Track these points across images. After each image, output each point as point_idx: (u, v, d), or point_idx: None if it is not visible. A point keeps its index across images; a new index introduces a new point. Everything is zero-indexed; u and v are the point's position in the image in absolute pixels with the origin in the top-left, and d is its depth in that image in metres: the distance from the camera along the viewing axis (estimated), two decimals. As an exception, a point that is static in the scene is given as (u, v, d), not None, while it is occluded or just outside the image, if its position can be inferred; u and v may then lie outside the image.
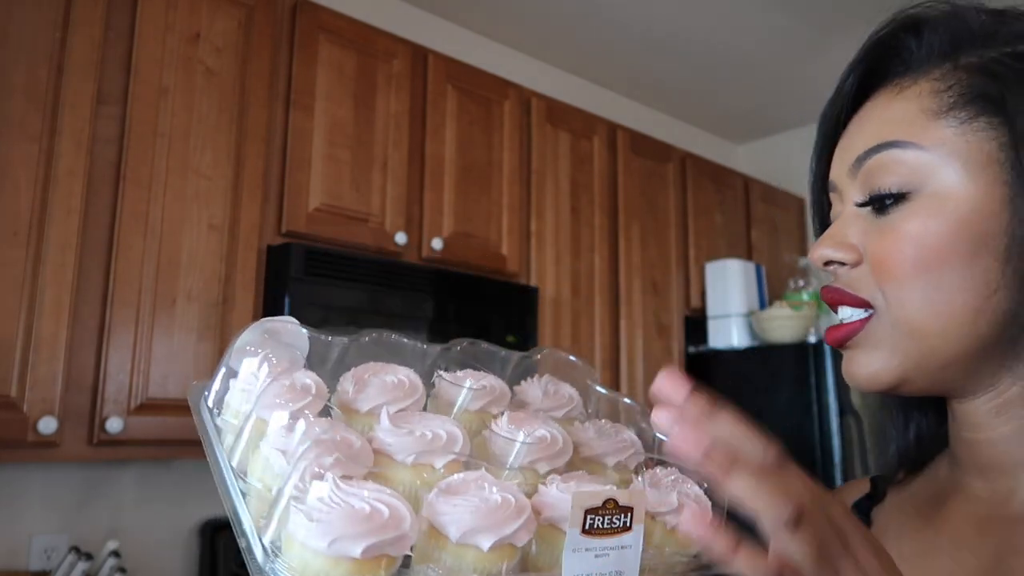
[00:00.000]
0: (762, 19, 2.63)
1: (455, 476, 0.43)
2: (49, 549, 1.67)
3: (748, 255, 3.04)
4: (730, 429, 0.37)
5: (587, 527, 0.39)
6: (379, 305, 1.83)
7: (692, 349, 2.77)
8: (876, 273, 0.48)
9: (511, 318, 2.11)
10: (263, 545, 0.40)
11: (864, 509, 0.59)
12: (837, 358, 2.46)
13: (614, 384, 2.48)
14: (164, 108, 1.63)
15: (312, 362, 0.55)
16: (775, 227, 3.25)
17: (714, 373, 2.72)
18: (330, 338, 0.57)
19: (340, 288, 1.76)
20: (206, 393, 0.55)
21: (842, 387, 2.44)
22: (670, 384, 0.37)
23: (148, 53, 1.62)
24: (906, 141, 0.48)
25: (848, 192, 0.51)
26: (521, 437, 0.49)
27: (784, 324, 2.57)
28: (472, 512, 0.41)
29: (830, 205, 0.55)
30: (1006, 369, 0.48)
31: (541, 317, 2.26)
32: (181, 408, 1.58)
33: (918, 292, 0.47)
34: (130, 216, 1.56)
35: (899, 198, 0.48)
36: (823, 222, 0.57)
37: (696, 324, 2.79)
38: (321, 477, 0.40)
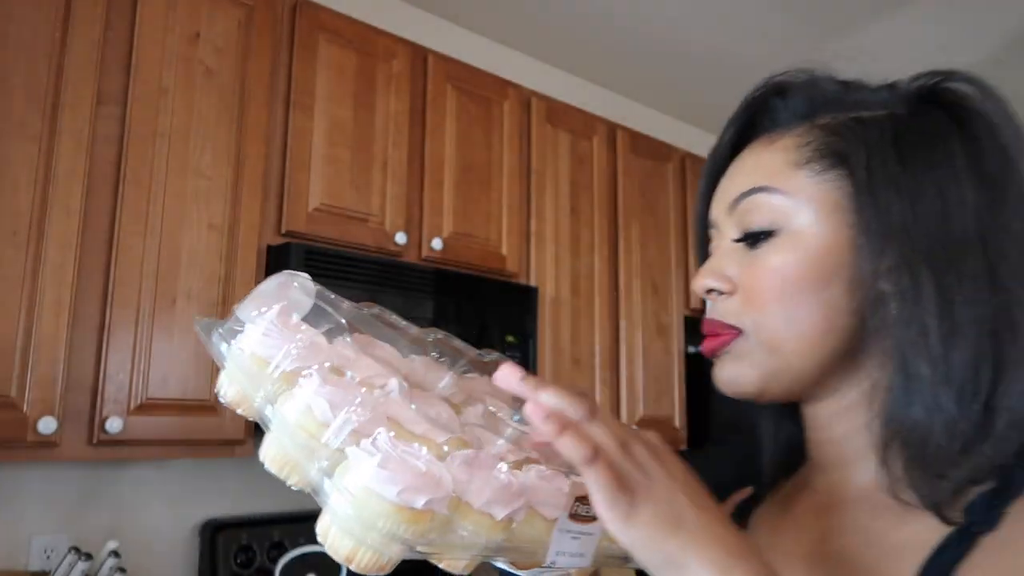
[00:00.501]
0: (762, 20, 2.63)
1: (469, 451, 0.49)
2: (49, 549, 1.67)
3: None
4: (556, 395, 0.45)
5: (572, 513, 0.47)
6: (379, 304, 1.83)
7: (692, 349, 2.77)
8: (744, 301, 0.56)
9: (511, 318, 2.11)
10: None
11: (746, 510, 0.67)
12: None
13: (614, 384, 2.48)
14: (164, 108, 1.63)
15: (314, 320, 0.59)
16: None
17: (714, 373, 2.71)
18: (330, 307, 0.61)
19: (340, 288, 1.74)
20: (219, 329, 0.60)
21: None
22: (508, 371, 0.46)
23: (148, 53, 1.62)
24: (773, 187, 0.56)
25: (725, 229, 0.59)
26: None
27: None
28: (490, 486, 0.47)
29: (709, 240, 0.63)
30: (847, 378, 0.57)
31: (541, 317, 2.26)
32: (181, 408, 1.58)
33: (779, 316, 0.55)
34: (130, 216, 1.56)
35: (767, 235, 0.56)
36: (704, 255, 0.64)
37: (696, 324, 2.79)
38: (377, 432, 0.45)
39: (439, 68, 2.16)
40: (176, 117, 1.64)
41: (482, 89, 2.25)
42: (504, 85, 2.32)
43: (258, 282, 1.87)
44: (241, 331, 0.57)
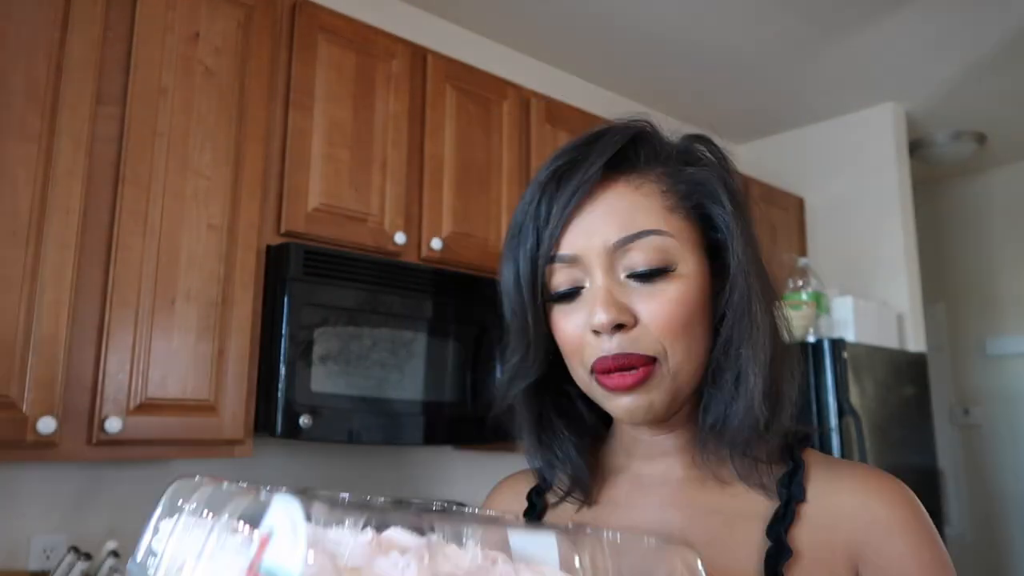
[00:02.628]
0: (762, 19, 2.63)
1: None
2: (48, 549, 1.67)
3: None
4: None
5: None
6: (378, 305, 1.83)
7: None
8: (658, 330, 0.62)
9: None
10: None
11: (540, 494, 0.74)
12: (837, 358, 2.46)
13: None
14: (163, 108, 1.63)
15: None
16: (774, 227, 3.25)
17: (713, 373, 2.71)
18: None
19: (339, 288, 1.76)
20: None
21: (841, 387, 2.44)
22: None
23: (147, 53, 1.62)
24: (662, 230, 0.63)
25: (600, 266, 0.63)
26: None
27: (783, 324, 2.56)
28: None
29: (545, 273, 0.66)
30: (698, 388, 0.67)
31: (540, 317, 2.26)
32: (180, 408, 1.58)
33: (682, 344, 0.63)
34: (129, 216, 1.56)
35: (664, 272, 0.63)
36: (536, 286, 0.66)
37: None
38: None
39: (438, 68, 2.16)
40: (175, 117, 1.64)
41: (481, 89, 2.25)
42: (503, 85, 2.31)
43: (257, 282, 1.85)
44: None
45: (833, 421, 2.42)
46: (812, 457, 0.67)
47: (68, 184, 1.48)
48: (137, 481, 1.82)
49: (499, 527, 0.46)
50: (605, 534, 0.45)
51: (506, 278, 0.68)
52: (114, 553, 1.60)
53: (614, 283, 0.63)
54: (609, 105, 3.01)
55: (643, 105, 3.28)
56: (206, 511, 0.45)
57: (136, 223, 1.56)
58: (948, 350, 4.09)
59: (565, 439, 0.71)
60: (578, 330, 0.64)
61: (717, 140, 0.71)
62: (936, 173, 4.03)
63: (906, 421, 2.73)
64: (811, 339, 2.55)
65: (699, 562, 0.47)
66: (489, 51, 2.71)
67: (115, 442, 1.50)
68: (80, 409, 1.47)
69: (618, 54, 2.88)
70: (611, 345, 0.62)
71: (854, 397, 2.46)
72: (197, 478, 0.48)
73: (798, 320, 2.58)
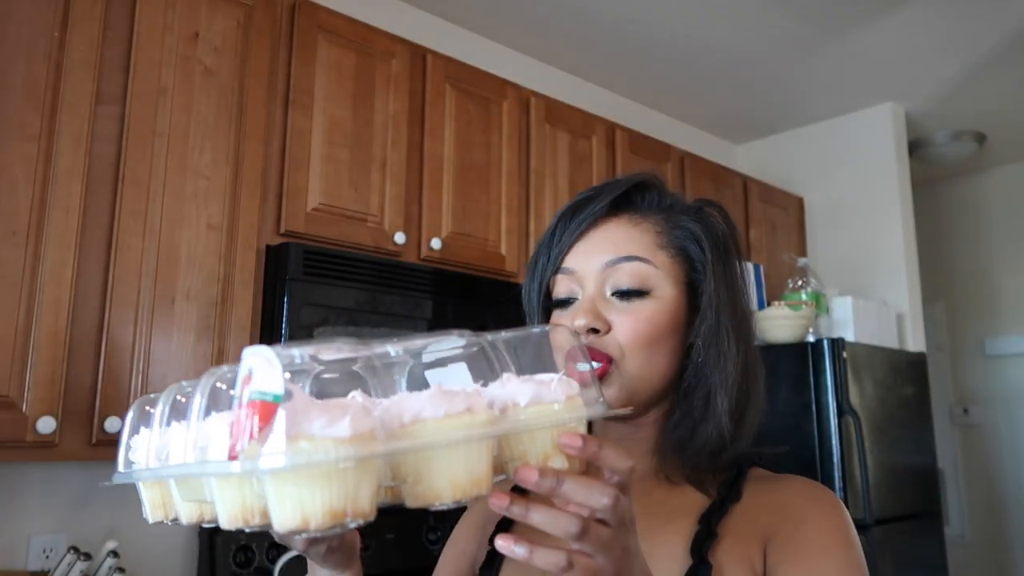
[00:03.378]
0: (761, 19, 2.63)
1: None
2: (48, 549, 1.67)
3: (747, 255, 3.04)
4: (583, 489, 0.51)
5: None
6: (378, 305, 1.83)
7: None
8: (623, 338, 0.73)
9: (510, 318, 2.10)
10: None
11: (521, 490, 0.80)
12: (837, 358, 2.46)
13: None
14: (163, 108, 1.63)
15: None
16: (774, 227, 3.25)
17: (713, 373, 2.71)
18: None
19: (339, 288, 1.76)
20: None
21: (841, 387, 2.44)
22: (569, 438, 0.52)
23: (147, 53, 1.62)
24: (647, 259, 0.76)
25: (591, 280, 0.77)
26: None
27: (783, 324, 2.57)
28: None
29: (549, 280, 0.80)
30: (658, 400, 0.77)
31: (540, 317, 2.26)
32: (180, 408, 1.58)
33: (643, 355, 0.74)
34: (129, 215, 1.56)
35: (641, 294, 0.75)
36: (541, 288, 0.81)
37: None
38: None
39: (438, 68, 2.16)
40: (175, 117, 1.64)
41: (481, 89, 2.25)
42: (503, 85, 2.31)
43: (257, 282, 1.85)
44: None
45: (833, 421, 2.42)
46: (757, 472, 0.78)
47: (68, 184, 1.48)
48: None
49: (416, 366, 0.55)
50: (500, 336, 0.56)
51: (524, 288, 0.83)
52: (114, 553, 1.60)
53: (600, 297, 0.76)
54: (609, 105, 3.02)
55: (643, 105, 3.28)
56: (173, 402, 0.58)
57: (136, 223, 1.56)
58: (948, 350, 4.10)
59: None
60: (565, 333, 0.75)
61: (725, 208, 0.83)
62: (936, 173, 4.03)
63: (906, 421, 2.73)
64: (811, 339, 2.55)
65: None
66: (489, 51, 2.71)
67: (115, 442, 1.49)
68: (80, 409, 1.47)
69: (618, 54, 2.88)
70: (585, 341, 0.73)
71: (854, 397, 2.46)
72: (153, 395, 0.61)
73: (797, 320, 2.58)
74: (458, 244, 2.11)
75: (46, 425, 1.40)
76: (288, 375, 0.44)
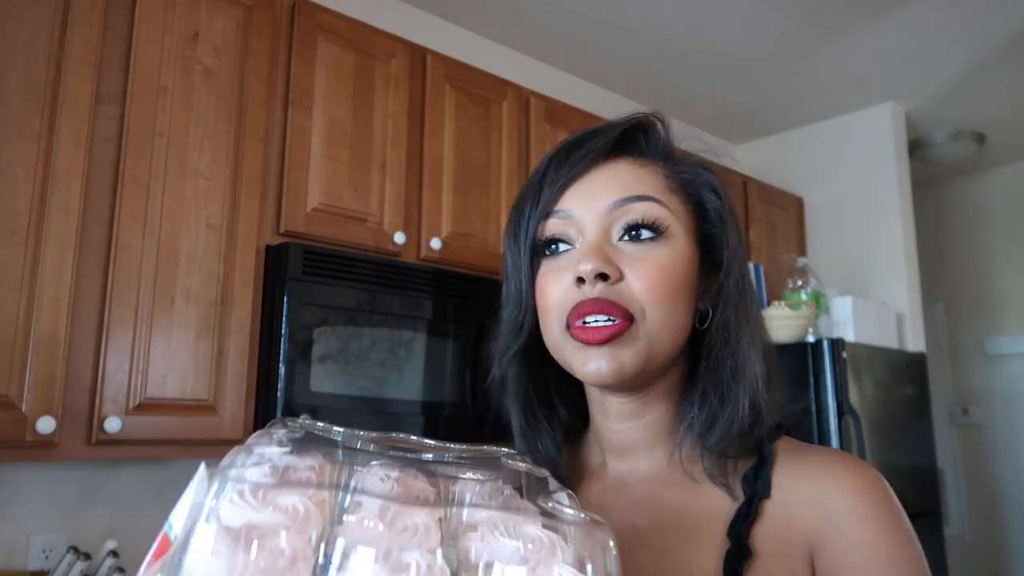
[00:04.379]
0: (761, 19, 2.63)
1: None
2: (47, 549, 1.67)
3: (746, 255, 3.04)
4: None
5: None
6: (377, 305, 1.83)
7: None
8: (641, 289, 0.62)
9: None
10: None
11: None
12: (836, 358, 2.46)
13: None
14: (163, 108, 1.63)
15: None
16: (773, 227, 3.25)
17: (713, 373, 2.71)
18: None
19: (338, 288, 1.76)
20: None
21: (841, 387, 2.44)
22: None
23: (146, 53, 1.62)
24: (661, 200, 0.65)
25: (592, 224, 0.65)
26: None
27: (783, 324, 2.57)
28: None
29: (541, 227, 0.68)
30: (665, 373, 0.67)
31: (540, 317, 2.26)
32: (180, 408, 1.58)
33: (663, 309, 0.63)
34: (129, 216, 1.56)
35: (657, 234, 0.64)
36: (533, 236, 0.68)
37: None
38: None
39: (438, 68, 2.16)
40: (175, 117, 1.64)
41: (481, 89, 2.25)
42: (503, 85, 2.32)
43: (256, 282, 1.86)
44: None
45: (832, 421, 2.42)
46: (783, 446, 0.66)
47: (67, 184, 1.48)
48: (136, 481, 1.82)
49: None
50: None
51: (504, 242, 0.70)
52: (113, 553, 1.60)
53: (606, 242, 0.64)
54: (609, 105, 3.01)
55: (643, 105, 3.26)
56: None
57: (136, 223, 1.56)
58: (947, 350, 4.10)
59: (544, 431, 0.72)
60: (560, 290, 0.64)
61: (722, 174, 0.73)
62: (935, 173, 4.03)
63: (905, 421, 2.73)
64: (810, 339, 2.55)
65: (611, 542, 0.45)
66: (488, 51, 2.71)
67: (114, 442, 1.50)
68: (80, 409, 1.47)
69: (618, 54, 2.88)
70: (592, 291, 0.62)
71: (853, 397, 2.46)
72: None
73: (797, 320, 2.58)
74: (458, 244, 2.11)
75: (46, 425, 1.40)
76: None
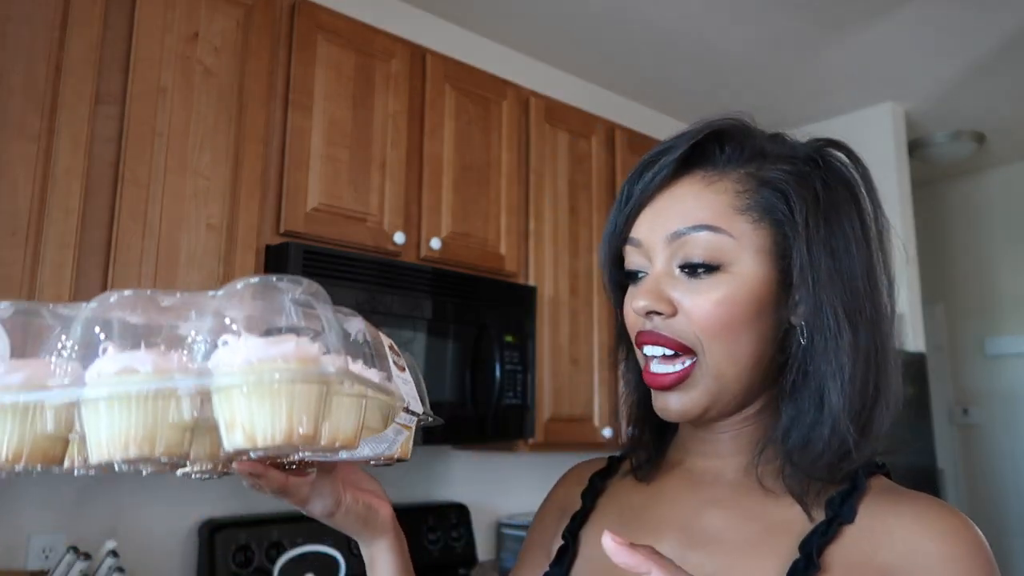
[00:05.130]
0: (761, 19, 2.64)
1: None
2: (47, 548, 1.67)
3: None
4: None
5: None
6: (377, 304, 1.83)
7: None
8: (696, 325, 0.62)
9: (509, 318, 2.12)
10: None
11: (603, 478, 0.77)
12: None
13: (613, 384, 2.48)
14: (162, 108, 1.63)
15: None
16: (774, 227, 3.25)
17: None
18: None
19: (338, 288, 1.76)
20: None
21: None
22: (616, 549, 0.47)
23: (146, 53, 1.62)
24: (720, 228, 0.63)
25: (659, 254, 0.65)
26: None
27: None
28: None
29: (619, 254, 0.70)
30: (755, 395, 0.66)
31: (539, 317, 2.26)
32: (179, 408, 1.58)
33: (724, 345, 0.62)
34: (128, 216, 1.56)
35: (711, 269, 0.63)
36: (614, 268, 0.71)
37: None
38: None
39: (437, 67, 2.16)
40: (175, 117, 1.64)
41: (481, 89, 2.25)
42: (503, 85, 2.32)
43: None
44: None
45: (832, 421, 2.42)
46: (878, 483, 0.65)
47: (67, 184, 1.48)
48: (136, 481, 1.82)
49: None
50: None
51: (599, 260, 0.73)
52: (113, 553, 1.60)
53: (666, 273, 0.65)
54: (609, 105, 3.02)
55: (642, 105, 3.28)
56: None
57: (135, 223, 1.56)
58: (947, 350, 4.10)
59: (646, 424, 0.74)
60: (632, 315, 0.67)
61: (856, 152, 0.68)
62: (935, 173, 4.03)
63: (905, 421, 2.73)
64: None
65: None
66: (488, 51, 2.71)
67: (114, 442, 1.50)
68: (79, 409, 1.47)
69: (618, 54, 2.88)
70: (648, 324, 0.65)
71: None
72: None
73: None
74: (458, 244, 2.11)
75: (46, 425, 1.40)
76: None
